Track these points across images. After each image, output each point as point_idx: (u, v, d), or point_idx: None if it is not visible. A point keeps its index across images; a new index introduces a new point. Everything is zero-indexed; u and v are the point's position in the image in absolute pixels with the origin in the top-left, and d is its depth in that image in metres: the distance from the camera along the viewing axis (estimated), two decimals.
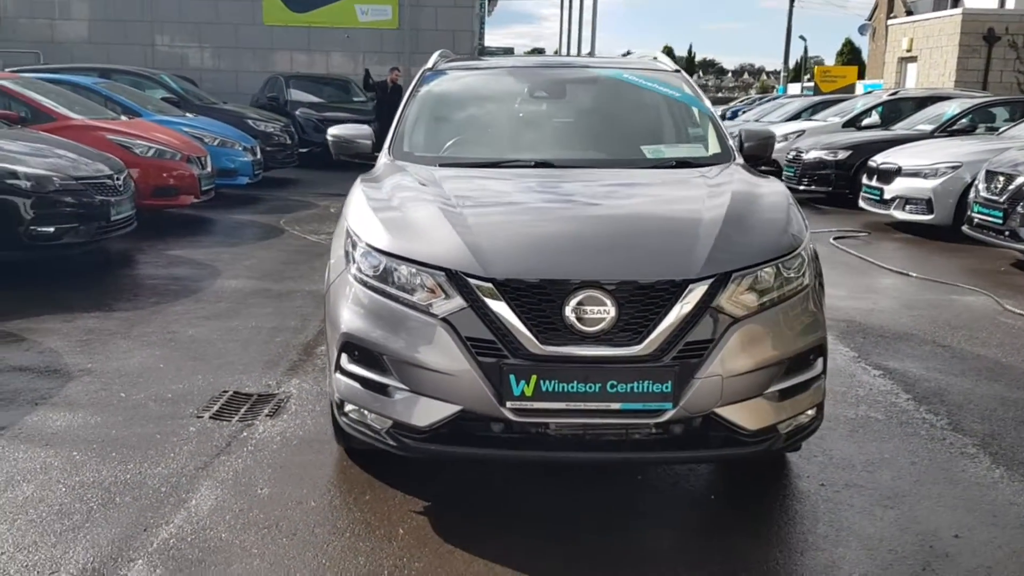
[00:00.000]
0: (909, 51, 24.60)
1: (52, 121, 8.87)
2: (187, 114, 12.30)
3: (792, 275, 3.19)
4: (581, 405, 2.93)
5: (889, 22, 28.38)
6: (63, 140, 7.77)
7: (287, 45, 21.73)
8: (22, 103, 9.00)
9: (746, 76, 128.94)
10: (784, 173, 13.81)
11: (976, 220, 8.36)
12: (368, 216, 3.36)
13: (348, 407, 3.19)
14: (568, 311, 2.91)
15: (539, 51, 65.41)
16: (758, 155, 4.39)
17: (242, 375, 4.76)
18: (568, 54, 33.23)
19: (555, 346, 2.91)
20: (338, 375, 3.20)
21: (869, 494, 3.48)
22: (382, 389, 3.06)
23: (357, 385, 3.13)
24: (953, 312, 6.49)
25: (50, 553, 2.91)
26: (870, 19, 40.71)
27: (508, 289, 2.93)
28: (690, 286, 2.95)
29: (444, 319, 2.96)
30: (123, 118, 10.27)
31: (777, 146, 14.94)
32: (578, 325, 2.91)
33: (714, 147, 4.20)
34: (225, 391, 4.50)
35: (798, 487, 3.56)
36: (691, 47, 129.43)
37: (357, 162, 4.36)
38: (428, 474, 3.57)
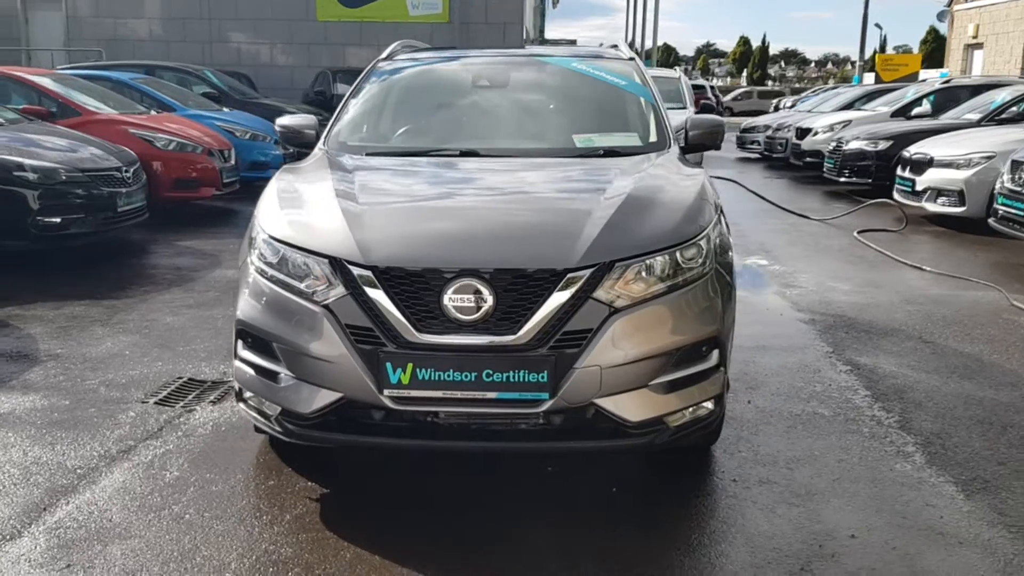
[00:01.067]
0: (975, 37, 23.70)
1: (78, 116, 9.19)
2: (223, 108, 12.60)
3: (687, 265, 3.13)
4: (458, 394, 2.92)
5: (955, 7, 27.36)
6: (79, 134, 8.06)
7: (340, 40, 22.02)
8: (51, 99, 9.35)
9: (829, 66, 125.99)
10: (825, 165, 13.48)
11: (1001, 212, 8.02)
12: (272, 205, 3.42)
13: (246, 394, 3.25)
14: (446, 299, 2.91)
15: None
16: (704, 143, 4.30)
17: (203, 362, 4.88)
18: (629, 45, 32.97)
19: (432, 334, 2.91)
20: (236, 362, 3.26)
21: (779, 492, 3.39)
22: (272, 376, 3.11)
23: (251, 372, 3.19)
24: (954, 308, 6.25)
25: None
26: (948, 5, 39.39)
27: (388, 277, 2.94)
28: (568, 275, 2.92)
29: (326, 306, 2.99)
30: (153, 112, 10.58)
31: (820, 137, 14.69)
32: (456, 314, 2.91)
33: (651, 136, 4.14)
34: (180, 377, 4.62)
35: (709, 482, 3.50)
36: (764, 37, 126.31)
37: (307, 152, 4.42)
38: (342, 463, 3.61)
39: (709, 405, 3.19)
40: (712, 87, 36.49)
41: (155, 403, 4.25)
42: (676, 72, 13.50)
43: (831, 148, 13.29)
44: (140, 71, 13.76)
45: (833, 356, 5.12)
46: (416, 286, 2.94)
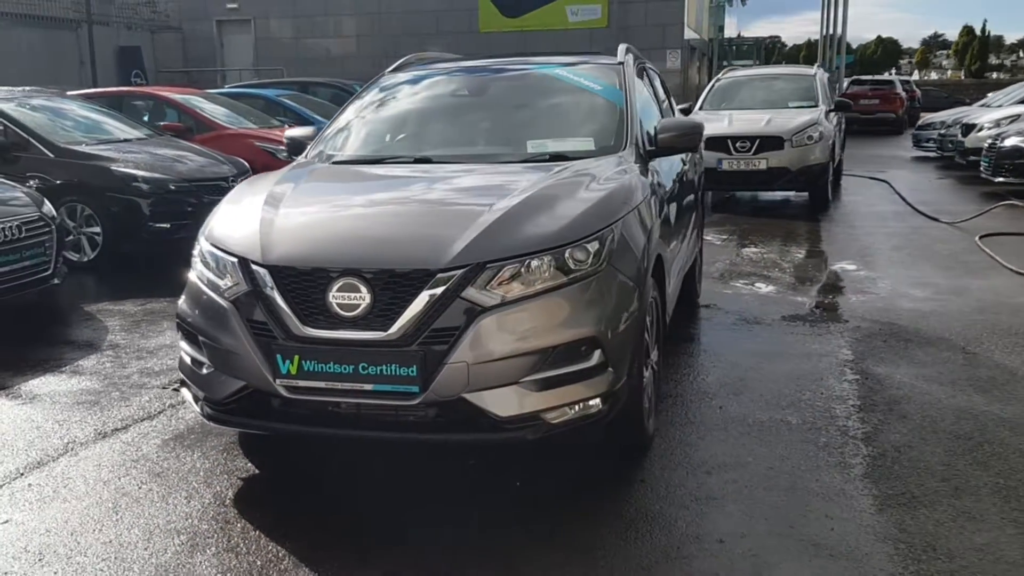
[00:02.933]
0: None
1: (212, 131, 10.14)
2: None
3: (573, 266, 3.21)
4: (338, 385, 3.17)
5: None
6: (195, 147, 8.93)
7: (502, 50, 22.50)
8: (189, 116, 10.37)
9: None
10: (981, 163, 12.54)
11: None
12: (217, 211, 3.80)
13: (187, 381, 3.64)
14: (331, 297, 3.16)
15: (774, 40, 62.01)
16: (676, 146, 4.29)
17: None
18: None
19: (316, 329, 3.18)
20: (180, 352, 3.66)
21: (673, 496, 3.37)
22: (199, 365, 3.48)
23: (187, 360, 3.57)
24: None
25: None
26: None
27: (282, 276, 3.24)
28: (438, 275, 3.09)
29: (233, 301, 3.32)
30: (287, 126, 11.46)
31: (983, 133, 13.63)
32: (338, 310, 3.16)
33: (609, 140, 4.18)
34: None
35: (614, 481, 3.52)
36: (985, 25, 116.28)
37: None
38: (298, 452, 3.94)
39: (596, 403, 3.24)
40: (907, 81, 34.22)
41: (172, 389, 4.75)
42: (811, 70, 12.95)
43: (987, 146, 12.34)
44: (295, 88, 14.87)
45: (849, 365, 4.91)
46: (305, 284, 3.21)
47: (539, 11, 22.39)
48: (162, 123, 10.16)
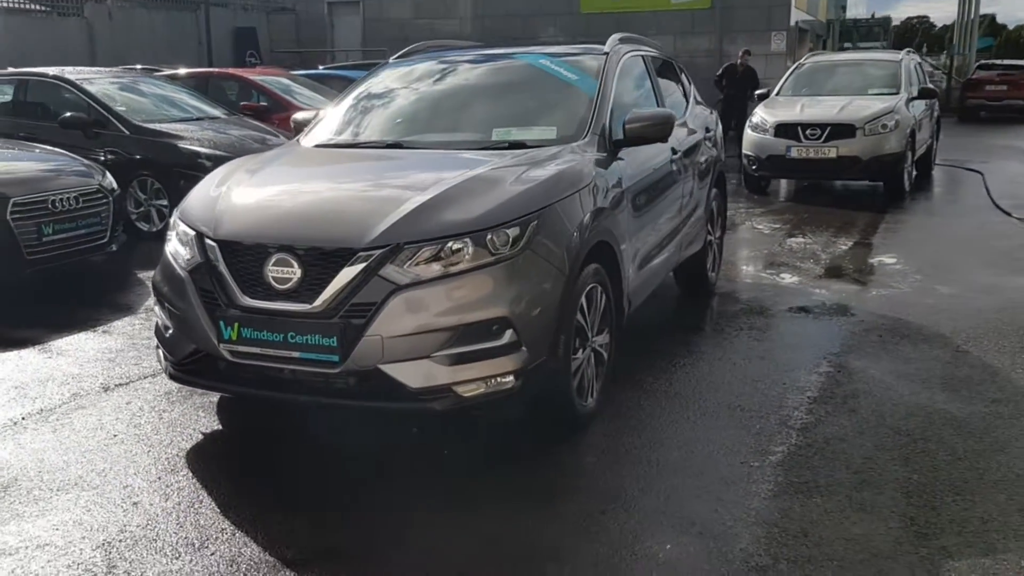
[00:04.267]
0: None
1: (287, 111, 10.67)
2: None
3: (493, 248, 3.42)
4: (270, 351, 3.49)
5: None
6: (265, 127, 9.47)
7: (603, 31, 22.39)
8: (267, 96, 10.95)
9: None
10: None
11: None
12: (195, 188, 4.17)
13: (159, 343, 4.03)
14: (267, 270, 3.48)
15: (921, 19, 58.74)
16: (646, 136, 4.40)
17: None
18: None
19: (254, 299, 3.51)
20: (155, 318, 4.06)
21: (584, 466, 3.55)
22: (166, 328, 3.87)
23: (159, 324, 3.96)
24: None
25: None
26: None
27: (227, 249, 3.58)
28: (359, 253, 3.36)
29: (190, 272, 3.69)
30: None
31: None
32: (273, 283, 3.48)
33: (568, 129, 4.33)
34: None
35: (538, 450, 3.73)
36: None
37: None
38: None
39: (510, 380, 3.45)
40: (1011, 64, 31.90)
41: None
42: (899, 55, 12.46)
43: None
44: None
45: (829, 357, 4.92)
46: (247, 258, 3.54)
47: None
48: (242, 103, 10.75)
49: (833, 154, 10.45)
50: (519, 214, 3.53)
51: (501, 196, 3.61)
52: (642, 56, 5.38)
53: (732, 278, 6.86)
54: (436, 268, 3.38)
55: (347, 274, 3.36)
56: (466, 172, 3.80)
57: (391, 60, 5.39)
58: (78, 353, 5.16)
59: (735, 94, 15.78)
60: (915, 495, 3.34)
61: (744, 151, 11.18)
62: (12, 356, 5.10)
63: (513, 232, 3.48)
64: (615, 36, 5.12)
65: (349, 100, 5.01)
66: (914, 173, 11.59)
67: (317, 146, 4.65)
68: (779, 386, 4.48)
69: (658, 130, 4.43)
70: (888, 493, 3.35)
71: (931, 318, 5.65)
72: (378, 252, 3.36)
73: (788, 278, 6.86)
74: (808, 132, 10.54)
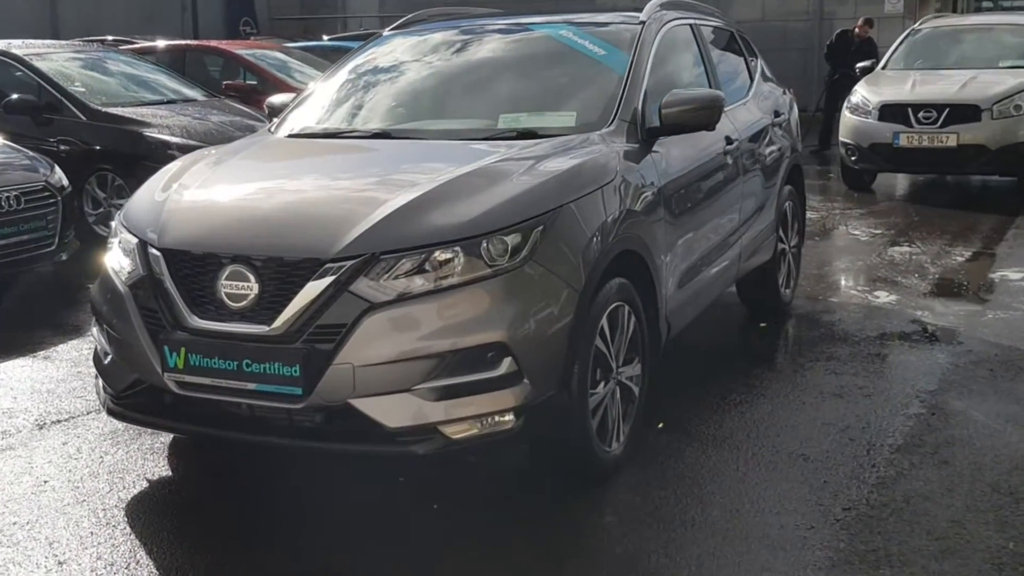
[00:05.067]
0: None
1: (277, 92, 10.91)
2: None
3: (489, 260, 3.49)
4: (222, 382, 3.59)
5: None
6: (253, 111, 9.66)
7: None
8: (256, 74, 11.20)
9: None
10: None
11: None
12: (143, 187, 4.31)
13: (96, 371, 4.15)
14: (220, 285, 3.59)
15: None
16: (684, 123, 4.44)
17: None
18: None
19: (204, 320, 3.61)
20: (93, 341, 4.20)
21: (619, 509, 3.60)
22: (105, 354, 3.99)
23: (97, 349, 4.10)
24: None
25: None
26: None
27: (174, 260, 3.70)
28: (327, 265, 3.45)
29: (130, 287, 3.81)
30: None
31: None
32: (226, 300, 3.58)
33: (590, 115, 4.39)
34: None
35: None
36: None
37: None
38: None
39: (509, 418, 3.51)
40: None
41: None
42: None
43: None
44: None
45: (923, 395, 4.90)
46: (196, 270, 3.66)
47: None
48: (225, 83, 11.00)
49: (953, 142, 10.36)
50: (522, 217, 3.59)
51: (501, 195, 3.68)
52: (691, 25, 5.42)
53: (813, 296, 6.85)
54: (419, 283, 3.45)
55: (312, 289, 3.44)
56: (460, 167, 3.88)
57: (385, 32, 5.51)
58: (12, 383, 5.34)
59: (849, 71, 15.54)
60: (1009, 568, 3.32)
61: (841, 138, 11.17)
62: None
63: (513, 239, 3.54)
64: (655, 1, 5.16)
65: (332, 81, 5.14)
66: None
67: (291, 136, 4.78)
68: (856, 431, 4.47)
69: (702, 115, 4.47)
70: (975, 564, 3.34)
71: None
72: (349, 263, 3.44)
73: (884, 296, 6.84)
74: (921, 115, 10.47)
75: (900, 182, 11.88)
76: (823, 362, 5.46)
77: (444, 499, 3.93)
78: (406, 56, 5.14)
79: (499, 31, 5.17)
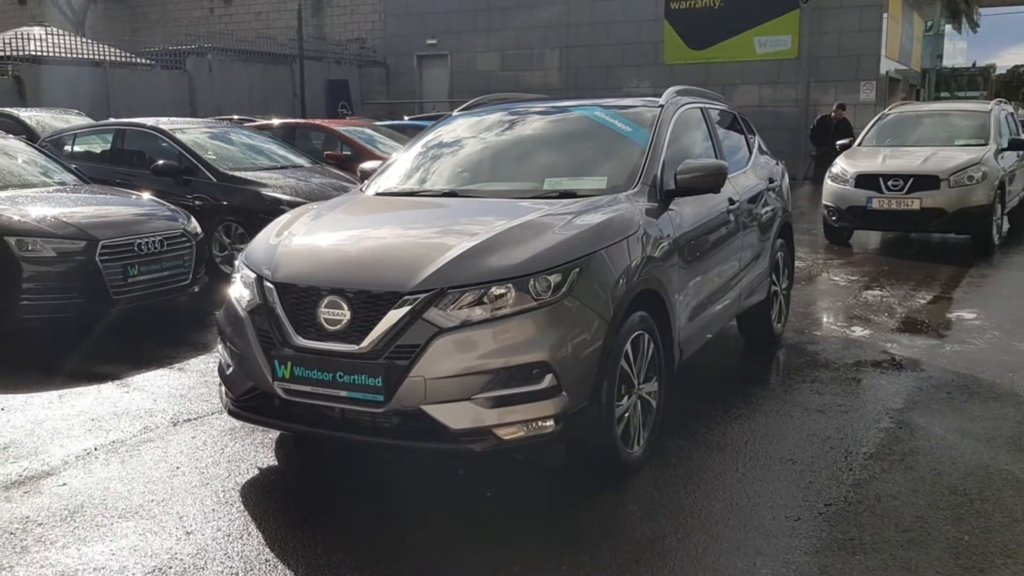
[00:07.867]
0: None
1: (367, 160, 11.04)
2: None
3: (535, 294, 3.51)
4: (320, 390, 3.63)
5: None
6: (346, 175, 9.76)
7: (685, 81, 22.62)
8: (350, 146, 11.34)
9: None
10: None
11: None
12: (260, 234, 4.37)
13: (221, 380, 4.20)
14: (320, 312, 3.64)
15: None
16: (695, 187, 4.44)
17: None
18: None
19: (307, 339, 3.66)
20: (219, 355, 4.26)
21: (634, 498, 3.56)
22: (228, 366, 4.05)
23: (221, 362, 4.15)
24: None
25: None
26: None
27: (284, 291, 3.75)
28: (405, 297, 3.49)
29: (248, 312, 3.87)
30: None
31: None
32: (325, 324, 3.63)
33: (618, 179, 4.40)
34: None
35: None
36: None
37: None
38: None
39: (550, 423, 3.51)
40: None
41: None
42: (988, 105, 12.16)
43: None
44: None
45: (892, 413, 4.81)
46: (301, 300, 3.70)
47: (726, 43, 22.20)
48: (326, 153, 11.16)
49: (916, 206, 10.22)
50: (562, 261, 3.61)
51: (545, 243, 3.70)
52: (700, 108, 5.43)
53: (801, 330, 6.76)
54: (478, 312, 3.48)
55: (393, 316, 3.48)
56: (514, 220, 3.90)
57: (455, 113, 5.57)
58: (153, 389, 5.41)
59: (829, 149, 15.59)
60: (964, 556, 3.24)
61: (824, 201, 11.05)
62: (92, 390, 5.38)
63: (555, 278, 3.56)
64: (672, 89, 5.20)
65: (412, 150, 5.20)
66: (1006, 226, 11.25)
67: (378, 194, 4.84)
68: (836, 441, 4.40)
69: (710, 181, 4.47)
70: (935, 553, 3.26)
71: (1005, 376, 5.47)
72: (423, 296, 3.48)
73: (859, 331, 6.73)
74: (890, 183, 10.34)
75: (873, 238, 11.72)
76: (808, 383, 5.39)
77: (495, 489, 3.92)
78: (468, 132, 5.20)
79: (543, 112, 5.21)
